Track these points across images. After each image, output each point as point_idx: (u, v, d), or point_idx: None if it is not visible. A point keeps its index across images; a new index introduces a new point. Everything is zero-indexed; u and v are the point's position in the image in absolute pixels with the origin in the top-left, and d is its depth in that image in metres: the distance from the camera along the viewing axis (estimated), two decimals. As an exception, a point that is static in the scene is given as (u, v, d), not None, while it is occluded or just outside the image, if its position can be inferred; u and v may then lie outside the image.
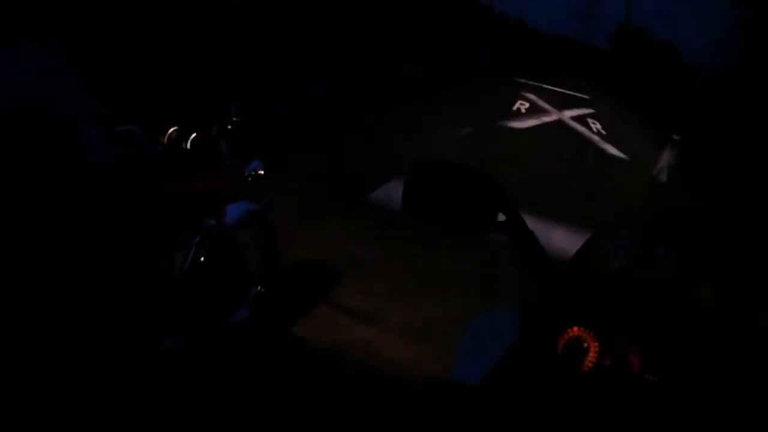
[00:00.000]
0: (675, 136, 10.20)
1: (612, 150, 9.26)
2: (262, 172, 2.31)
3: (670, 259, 0.85)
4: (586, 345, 0.72)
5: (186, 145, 2.10)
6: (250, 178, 2.28)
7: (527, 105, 11.58)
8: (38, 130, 1.51)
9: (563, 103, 12.82)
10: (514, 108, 10.96)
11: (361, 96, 8.63)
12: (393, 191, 3.60)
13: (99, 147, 1.58)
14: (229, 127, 2.24)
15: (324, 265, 3.45)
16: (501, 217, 0.89)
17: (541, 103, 12.15)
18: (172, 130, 2.14)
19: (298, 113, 6.59)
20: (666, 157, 9.26)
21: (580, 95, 14.89)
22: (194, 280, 2.18)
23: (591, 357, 0.71)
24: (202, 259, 2.21)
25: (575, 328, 0.74)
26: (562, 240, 3.79)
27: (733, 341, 0.71)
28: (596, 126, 11.08)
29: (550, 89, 14.50)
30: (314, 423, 2.20)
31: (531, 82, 14.62)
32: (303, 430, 2.17)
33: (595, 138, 10.03)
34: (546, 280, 0.87)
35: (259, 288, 2.70)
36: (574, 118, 11.35)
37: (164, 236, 2.03)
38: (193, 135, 2.09)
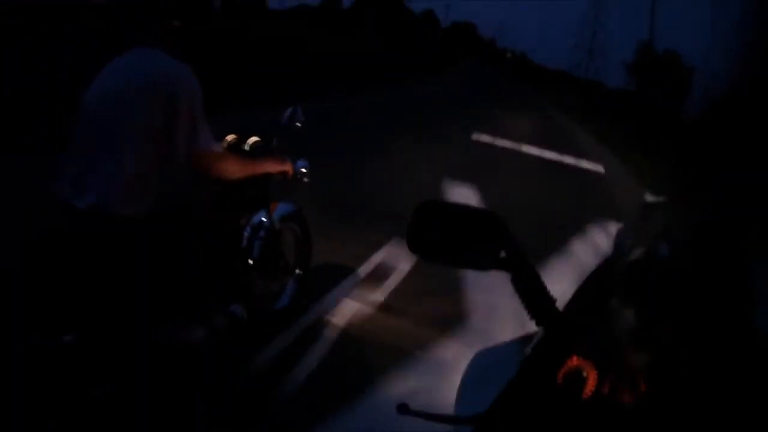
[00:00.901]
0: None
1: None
2: (305, 170, 2.69)
3: (672, 256, 0.85)
4: (585, 374, 0.74)
5: (245, 147, 2.56)
6: (297, 176, 2.64)
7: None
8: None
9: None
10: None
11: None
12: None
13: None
14: (289, 130, 2.67)
15: (345, 268, 3.90)
16: (503, 254, 0.92)
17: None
18: (231, 138, 2.59)
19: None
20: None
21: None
22: (250, 264, 2.64)
23: (590, 385, 0.73)
24: (256, 247, 2.67)
25: (575, 358, 0.76)
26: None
27: (733, 346, 0.71)
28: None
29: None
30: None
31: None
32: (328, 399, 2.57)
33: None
34: (547, 318, 0.89)
35: (294, 277, 3.15)
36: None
37: (232, 221, 2.50)
38: (254, 139, 2.56)
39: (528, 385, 0.82)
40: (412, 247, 1.01)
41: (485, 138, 11.59)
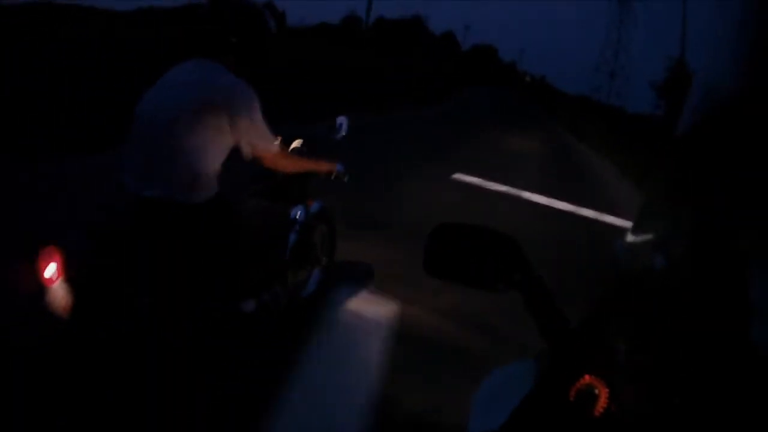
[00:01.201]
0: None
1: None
2: (341, 169, 3.03)
3: (669, 268, 0.87)
4: (597, 392, 0.76)
5: (293, 147, 3.00)
6: (339, 175, 3.01)
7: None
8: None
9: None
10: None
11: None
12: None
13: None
14: (335, 138, 3.13)
15: (364, 265, 4.28)
16: (517, 276, 0.95)
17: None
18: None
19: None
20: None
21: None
22: (288, 252, 3.05)
23: (602, 402, 0.75)
24: (293, 237, 3.08)
25: (587, 377, 0.77)
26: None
27: (731, 357, 0.72)
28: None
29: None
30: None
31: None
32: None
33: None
34: (560, 340, 0.92)
35: (320, 268, 3.54)
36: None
37: (279, 212, 2.93)
38: (298, 141, 3.00)
39: (541, 402, 0.84)
40: (428, 269, 1.06)
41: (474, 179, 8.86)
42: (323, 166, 2.84)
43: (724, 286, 0.75)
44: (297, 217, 3.07)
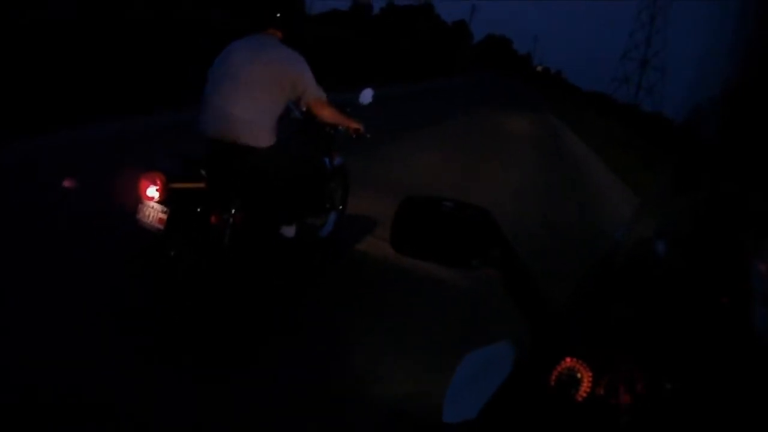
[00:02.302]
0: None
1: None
2: (367, 135, 3.95)
3: (672, 253, 0.85)
4: (579, 375, 0.74)
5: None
6: (364, 133, 3.90)
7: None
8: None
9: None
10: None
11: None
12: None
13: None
14: (362, 104, 4.15)
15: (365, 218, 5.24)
16: (494, 252, 0.91)
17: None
18: None
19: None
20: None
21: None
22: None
23: (585, 387, 0.73)
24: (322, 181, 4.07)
25: (568, 359, 0.75)
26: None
27: (731, 344, 0.71)
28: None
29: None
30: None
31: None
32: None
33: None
34: (540, 318, 0.89)
35: (337, 213, 4.52)
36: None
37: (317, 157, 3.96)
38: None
39: (520, 388, 0.83)
40: (396, 245, 1.02)
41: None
42: (353, 123, 3.80)
43: (727, 273, 0.74)
44: (326, 165, 4.05)
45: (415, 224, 1.00)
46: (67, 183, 4.04)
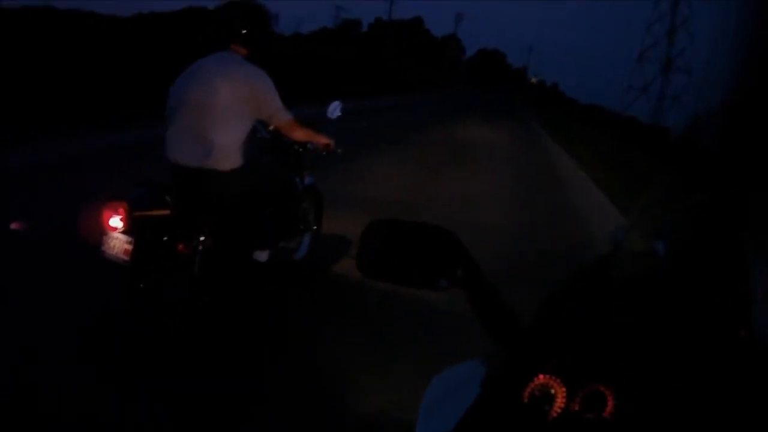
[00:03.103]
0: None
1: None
2: (338, 150, 3.95)
3: (671, 252, 0.86)
4: (553, 391, 0.74)
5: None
6: (335, 149, 3.90)
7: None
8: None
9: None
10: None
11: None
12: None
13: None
14: (331, 118, 4.13)
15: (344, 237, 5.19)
16: (459, 272, 0.93)
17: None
18: None
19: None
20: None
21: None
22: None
23: (559, 403, 0.73)
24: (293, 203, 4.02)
25: (541, 376, 0.74)
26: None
27: (730, 346, 0.71)
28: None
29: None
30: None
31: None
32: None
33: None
34: (510, 336, 0.90)
35: (310, 234, 4.46)
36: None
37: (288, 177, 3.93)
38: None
39: (491, 406, 0.83)
40: (363, 269, 1.02)
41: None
42: (323, 139, 3.77)
43: (727, 274, 0.75)
44: (297, 184, 4.00)
45: (381, 247, 1.01)
46: (15, 225, 3.78)
